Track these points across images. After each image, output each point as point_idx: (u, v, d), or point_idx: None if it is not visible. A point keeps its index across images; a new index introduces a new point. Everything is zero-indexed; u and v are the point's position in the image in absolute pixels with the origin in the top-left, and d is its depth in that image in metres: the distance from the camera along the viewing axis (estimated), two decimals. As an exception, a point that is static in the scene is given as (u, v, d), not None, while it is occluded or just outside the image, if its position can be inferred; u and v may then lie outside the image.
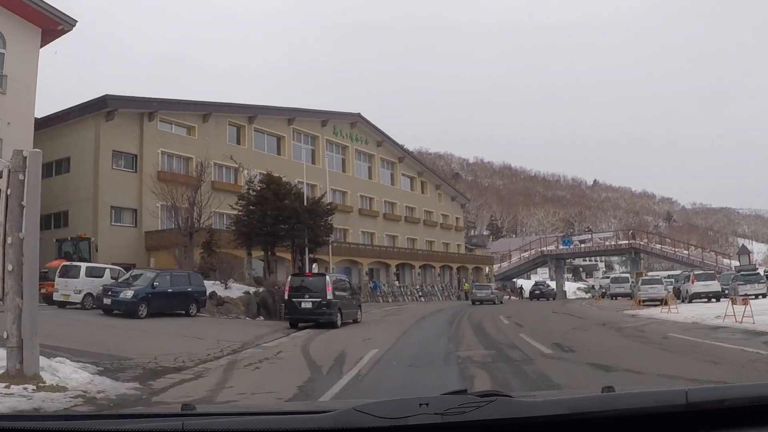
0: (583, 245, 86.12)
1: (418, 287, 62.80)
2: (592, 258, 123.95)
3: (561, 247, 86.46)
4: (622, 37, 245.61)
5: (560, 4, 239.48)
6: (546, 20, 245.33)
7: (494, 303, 47.90)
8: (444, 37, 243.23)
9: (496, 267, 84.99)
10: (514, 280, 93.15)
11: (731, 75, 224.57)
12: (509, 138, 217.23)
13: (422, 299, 61.54)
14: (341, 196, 62.56)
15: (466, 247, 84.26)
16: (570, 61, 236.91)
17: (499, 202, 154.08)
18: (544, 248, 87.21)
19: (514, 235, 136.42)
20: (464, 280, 70.34)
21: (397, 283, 60.64)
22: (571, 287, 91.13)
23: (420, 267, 66.29)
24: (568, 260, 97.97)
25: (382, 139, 68.01)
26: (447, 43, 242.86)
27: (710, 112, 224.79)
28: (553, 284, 78.96)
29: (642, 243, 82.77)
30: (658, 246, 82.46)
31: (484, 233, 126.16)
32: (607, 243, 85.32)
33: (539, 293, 63.86)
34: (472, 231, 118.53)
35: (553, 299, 62.92)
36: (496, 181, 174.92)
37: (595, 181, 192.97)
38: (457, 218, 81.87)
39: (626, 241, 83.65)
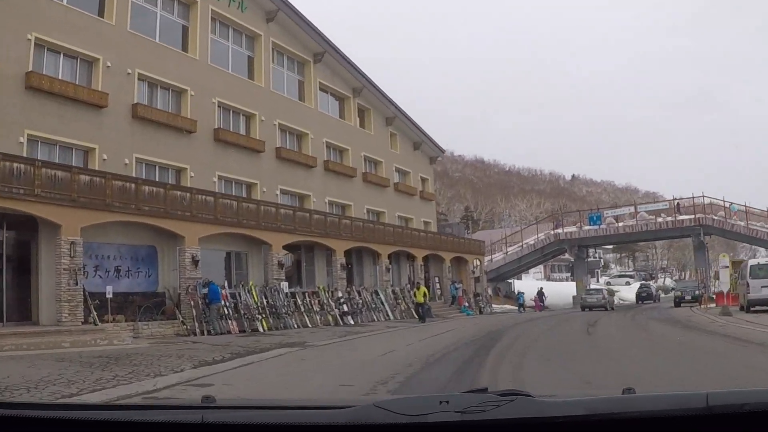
0: (621, 225, 51.49)
1: (341, 296, 27.78)
2: (594, 250, 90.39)
3: (586, 228, 51.90)
4: (605, 37, 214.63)
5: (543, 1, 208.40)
6: (527, 15, 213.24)
7: (606, 309, 39.16)
8: (412, 22, 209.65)
9: (485, 261, 50.06)
10: (510, 280, 58.61)
11: (717, 77, 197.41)
12: (481, 132, 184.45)
13: (349, 320, 26.76)
14: (175, 98, 27.77)
15: (440, 228, 49.38)
16: (548, 59, 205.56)
17: (474, 193, 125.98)
18: (560, 230, 52.61)
19: (494, 228, 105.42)
20: (419, 282, 34.41)
21: (286, 288, 25.26)
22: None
23: (350, 254, 31.52)
24: (594, 248, 63.92)
25: (276, 7, 32.96)
26: (412, 29, 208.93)
27: (696, 111, 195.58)
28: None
29: (717, 218, 48.57)
30: (741, 223, 48.16)
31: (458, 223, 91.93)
32: (659, 220, 50.80)
33: (645, 295, 55.37)
34: (444, 221, 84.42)
35: (657, 301, 55.18)
36: (468, 174, 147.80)
37: (573, 175, 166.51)
38: (423, 178, 46.72)
39: (690, 216, 49.41)
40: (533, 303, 47.62)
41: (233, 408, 2.07)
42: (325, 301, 26.35)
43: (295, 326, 23.91)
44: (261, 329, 22.41)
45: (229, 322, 21.66)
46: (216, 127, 28.76)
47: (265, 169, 31.07)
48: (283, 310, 23.80)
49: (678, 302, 40.03)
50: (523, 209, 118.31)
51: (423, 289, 28.86)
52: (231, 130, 29.92)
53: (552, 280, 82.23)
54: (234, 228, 23.54)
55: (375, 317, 29.06)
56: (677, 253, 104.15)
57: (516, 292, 51.21)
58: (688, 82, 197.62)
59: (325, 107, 37.02)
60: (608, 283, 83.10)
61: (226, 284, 22.69)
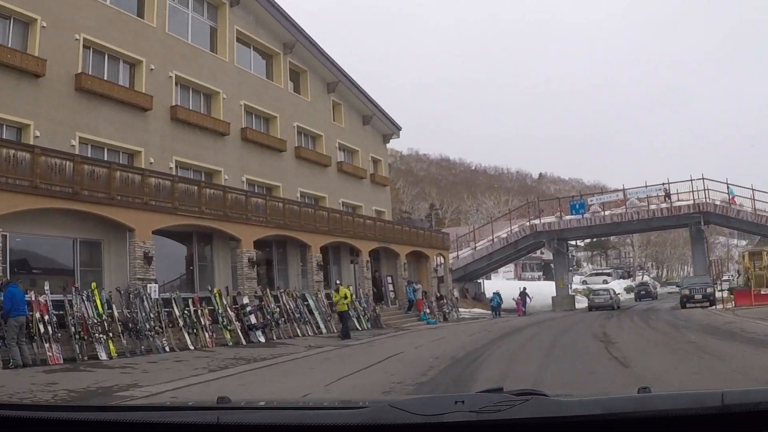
0: (608, 213, 44.21)
1: (247, 303, 19.76)
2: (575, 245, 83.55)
3: (567, 217, 44.61)
4: (572, 38, 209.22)
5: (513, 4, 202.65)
6: (493, 14, 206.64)
7: (613, 308, 38.70)
8: (373, 16, 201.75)
9: (450, 259, 42.35)
10: (479, 280, 51.10)
11: (684, 79, 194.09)
12: (446, 132, 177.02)
13: (258, 336, 18.81)
14: (18, 30, 19.65)
15: (404, 217, 41.63)
16: (513, 59, 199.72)
17: (439, 191, 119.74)
18: (537, 221, 45.22)
19: (460, 225, 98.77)
20: (338, 283, 24.60)
21: (155, 292, 17.29)
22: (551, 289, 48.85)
23: (269, 247, 23.78)
24: (576, 241, 56.89)
25: None
26: (383, 30, 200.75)
27: (664, 110, 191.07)
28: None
29: (720, 203, 41.64)
30: (748, 209, 41.19)
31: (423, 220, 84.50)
32: (652, 207, 43.62)
33: (645, 293, 56.47)
34: (408, 218, 76.78)
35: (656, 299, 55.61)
36: (433, 172, 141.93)
37: (540, 173, 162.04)
38: (375, 159, 38.84)
39: (689, 202, 42.41)
40: (515, 306, 40.20)
41: (249, 409, 2.05)
42: (221, 311, 18.34)
43: (167, 349, 15.94)
44: (103, 356, 14.43)
45: (47, 345, 13.64)
46: (79, 72, 20.72)
47: (155, 134, 23.17)
48: (147, 326, 15.79)
49: (684, 302, 32.79)
50: (491, 206, 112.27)
51: (345, 291, 20.80)
52: (105, 78, 21.93)
53: (524, 280, 75.03)
54: (64, 202, 15.48)
55: (299, 331, 21.16)
56: (653, 249, 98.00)
57: (487, 294, 44.02)
58: (657, 81, 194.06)
59: (245, 63, 29.13)
60: (584, 282, 76.52)
61: (47, 287, 14.58)
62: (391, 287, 30.85)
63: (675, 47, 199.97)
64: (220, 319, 18.25)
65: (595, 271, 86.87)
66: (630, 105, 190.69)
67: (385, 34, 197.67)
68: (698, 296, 32.28)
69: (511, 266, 78.15)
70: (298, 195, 29.47)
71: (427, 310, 30.38)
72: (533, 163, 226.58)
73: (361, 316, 24.88)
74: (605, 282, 72.53)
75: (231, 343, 17.94)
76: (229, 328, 18.24)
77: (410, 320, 28.53)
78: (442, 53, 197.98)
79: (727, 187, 41.28)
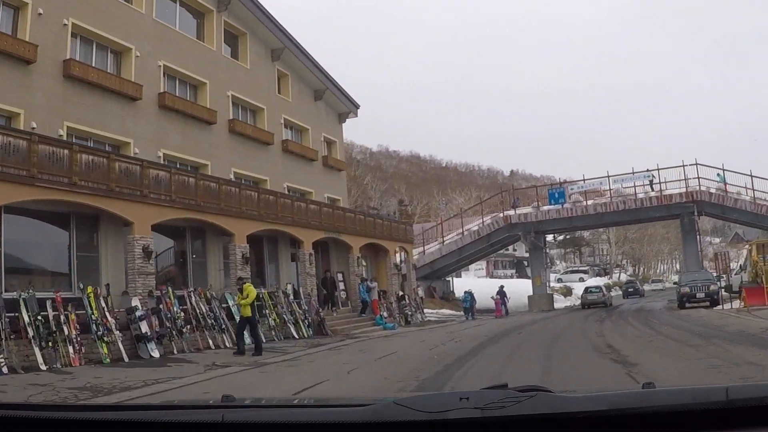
0: (591, 203, 40.15)
1: (136, 306, 15.06)
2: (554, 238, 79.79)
3: (545, 208, 40.52)
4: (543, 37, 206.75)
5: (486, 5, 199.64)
6: (466, 13, 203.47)
7: (606, 305, 40.40)
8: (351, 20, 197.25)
9: (415, 254, 38.14)
10: (448, 278, 46.84)
11: (682, 77, 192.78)
12: (417, 129, 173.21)
13: (151, 350, 14.23)
14: None
15: (372, 213, 37.23)
16: (487, 58, 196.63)
17: (409, 187, 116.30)
18: (511, 212, 41.03)
19: (430, 221, 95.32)
20: (244, 279, 18.10)
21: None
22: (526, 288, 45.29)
23: (181, 235, 19.25)
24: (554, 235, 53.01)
25: None
26: (351, 27, 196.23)
27: (635, 108, 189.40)
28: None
29: (716, 191, 37.86)
30: (746, 197, 37.37)
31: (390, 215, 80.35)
32: (640, 196, 39.62)
33: (632, 291, 57.48)
34: (376, 213, 72.41)
35: (643, 296, 56.64)
36: (403, 169, 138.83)
37: (512, 171, 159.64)
38: (329, 140, 34.21)
39: (680, 190, 38.56)
40: (493, 306, 36.16)
41: (253, 407, 2.04)
42: (95, 317, 13.73)
43: (4, 370, 11.35)
44: None
45: None
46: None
47: (38, 93, 18.48)
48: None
49: (684, 301, 28.79)
50: (462, 203, 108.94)
51: (249, 289, 16.16)
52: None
53: (496, 278, 70.96)
54: None
55: (212, 341, 16.63)
56: (629, 246, 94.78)
57: (457, 292, 39.89)
58: (651, 79, 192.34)
59: (169, 19, 24.45)
60: (560, 280, 72.96)
61: None
62: (342, 285, 26.37)
63: (668, 46, 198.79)
64: (93, 327, 13.62)
65: (570, 269, 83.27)
66: (624, 104, 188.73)
67: (354, 30, 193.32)
68: (700, 294, 28.35)
69: (482, 263, 74.52)
70: (232, 176, 24.85)
71: (385, 313, 25.99)
72: (504, 160, 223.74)
73: (300, 321, 20.40)
74: (581, 280, 69.19)
75: (108, 360, 13.37)
76: (105, 339, 13.62)
77: (364, 325, 24.13)
78: (413, 52, 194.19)
79: (723, 172, 37.53)
